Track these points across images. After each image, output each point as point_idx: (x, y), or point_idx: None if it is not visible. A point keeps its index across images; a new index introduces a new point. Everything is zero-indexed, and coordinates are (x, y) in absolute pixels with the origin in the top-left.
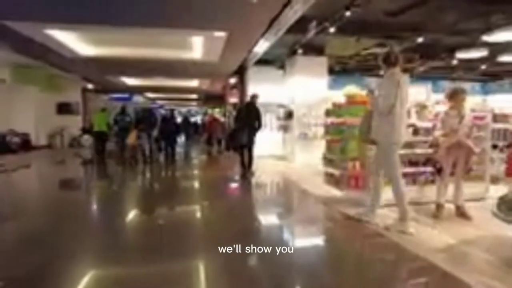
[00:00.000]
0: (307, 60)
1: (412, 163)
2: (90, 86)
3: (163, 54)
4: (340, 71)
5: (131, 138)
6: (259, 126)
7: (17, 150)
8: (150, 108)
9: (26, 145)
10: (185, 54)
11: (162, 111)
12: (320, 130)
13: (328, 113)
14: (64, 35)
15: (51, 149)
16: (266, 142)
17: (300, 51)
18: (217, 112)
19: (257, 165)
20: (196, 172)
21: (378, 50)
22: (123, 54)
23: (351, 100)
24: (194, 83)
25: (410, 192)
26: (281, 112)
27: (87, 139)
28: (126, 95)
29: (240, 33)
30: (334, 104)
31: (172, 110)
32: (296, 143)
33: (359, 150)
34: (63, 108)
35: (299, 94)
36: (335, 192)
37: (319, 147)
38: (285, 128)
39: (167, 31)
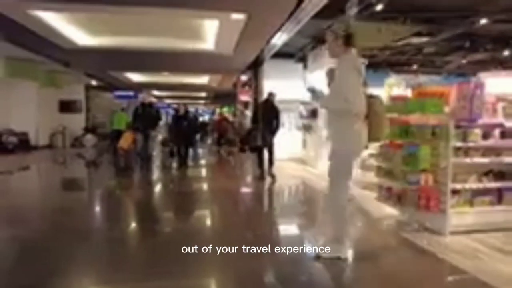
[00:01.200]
0: (324, 54)
1: (498, 175)
2: (94, 83)
3: (171, 44)
4: (372, 64)
5: (125, 141)
6: (277, 126)
7: (14, 151)
8: (151, 103)
9: (24, 145)
10: (196, 44)
11: (170, 110)
12: None
13: None
14: (55, 20)
15: (52, 150)
16: (284, 143)
17: (330, 38)
18: (225, 112)
19: (275, 169)
20: (206, 179)
21: (415, 40)
22: (126, 44)
23: (421, 91)
24: (203, 79)
25: (494, 213)
26: (303, 110)
27: (89, 139)
28: (131, 93)
29: (261, 17)
30: (394, 98)
31: (185, 105)
32: (322, 145)
33: (432, 158)
34: (66, 106)
35: (324, 89)
36: (392, 212)
37: None
38: (307, 128)
39: (177, 12)
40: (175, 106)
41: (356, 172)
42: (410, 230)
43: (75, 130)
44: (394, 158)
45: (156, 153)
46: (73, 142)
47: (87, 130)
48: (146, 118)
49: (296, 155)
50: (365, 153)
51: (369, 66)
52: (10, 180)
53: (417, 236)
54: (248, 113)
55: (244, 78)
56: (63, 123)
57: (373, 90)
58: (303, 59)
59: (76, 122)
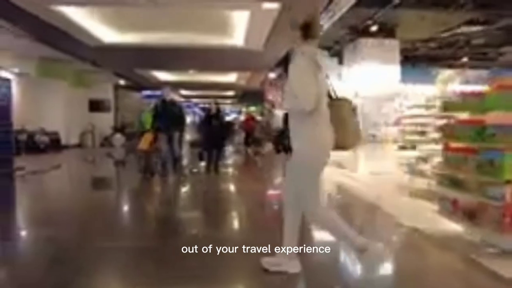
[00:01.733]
0: (375, 44)
1: None
2: (122, 82)
3: (199, 41)
4: (409, 59)
5: (144, 142)
6: None
7: (46, 150)
8: (173, 100)
9: (55, 144)
10: (224, 40)
11: (197, 109)
12: (392, 131)
13: (446, 107)
14: (79, 17)
15: (82, 149)
16: None
17: (374, 28)
18: (252, 111)
19: None
20: (237, 181)
21: (464, 29)
22: (153, 41)
23: (504, 84)
24: (231, 77)
25: None
26: None
27: (118, 139)
28: (158, 93)
29: (296, 5)
30: (465, 94)
31: (217, 104)
32: (361, 146)
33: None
34: (95, 105)
35: (364, 86)
36: (456, 229)
37: (390, 153)
38: None
39: (206, 2)
40: (203, 105)
41: (404, 177)
42: (489, 255)
43: (104, 130)
44: (466, 165)
45: (184, 154)
46: (103, 142)
47: (116, 129)
48: (168, 117)
49: (332, 157)
50: (412, 154)
51: (407, 61)
52: (43, 179)
53: (503, 265)
54: (278, 112)
55: (272, 75)
56: (92, 122)
57: (413, 88)
58: (338, 53)
59: (105, 121)
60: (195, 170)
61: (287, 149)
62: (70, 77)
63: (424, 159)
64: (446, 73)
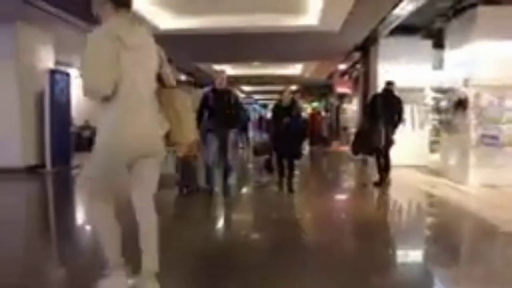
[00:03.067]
0: (500, 13)
1: None
2: (183, 78)
3: (266, 22)
4: None
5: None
6: (399, 121)
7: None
8: (228, 89)
9: None
10: (295, 19)
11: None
12: None
13: None
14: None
15: None
16: (402, 145)
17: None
18: (316, 106)
19: (395, 181)
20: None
21: None
22: (215, 25)
23: None
24: (296, 69)
25: None
26: (444, 100)
27: None
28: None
29: None
30: None
31: (293, 92)
32: (473, 150)
33: None
34: None
35: (479, 71)
36: None
37: None
38: (446, 126)
39: None
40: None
41: None
42: None
43: None
44: None
45: (241, 164)
46: None
47: None
48: (221, 111)
49: (420, 162)
50: None
51: None
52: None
53: None
54: (353, 106)
55: (342, 67)
56: None
57: None
58: (433, 35)
59: None
60: (263, 180)
61: (370, 151)
62: None
63: None
64: None
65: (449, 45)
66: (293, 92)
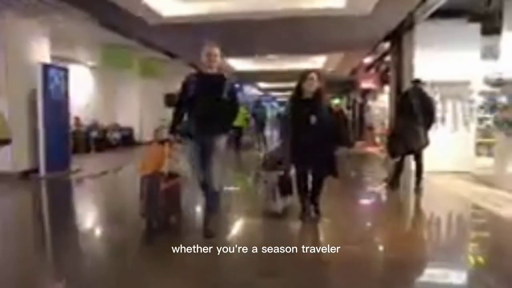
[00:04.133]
0: None
1: None
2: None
3: (287, 5)
4: None
5: (149, 160)
6: (431, 122)
7: (117, 147)
8: (220, 73)
9: (128, 140)
10: (318, 2)
11: (275, 104)
12: None
13: None
14: None
15: None
16: (439, 147)
17: None
18: (337, 104)
19: (436, 191)
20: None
21: None
22: (222, 10)
23: None
24: (318, 64)
25: None
26: (503, 95)
27: None
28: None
29: None
30: None
31: (319, 80)
32: None
33: None
34: (171, 100)
35: None
36: None
37: None
38: (500, 126)
39: None
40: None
41: None
42: None
43: None
44: None
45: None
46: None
47: None
48: (206, 106)
49: (461, 167)
50: None
51: None
52: (97, 185)
53: None
54: (379, 103)
55: (367, 60)
56: (168, 118)
57: None
58: (482, 17)
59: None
60: (275, 207)
61: (403, 154)
62: (135, 66)
63: None
64: None
65: (507, 28)
66: (320, 77)
